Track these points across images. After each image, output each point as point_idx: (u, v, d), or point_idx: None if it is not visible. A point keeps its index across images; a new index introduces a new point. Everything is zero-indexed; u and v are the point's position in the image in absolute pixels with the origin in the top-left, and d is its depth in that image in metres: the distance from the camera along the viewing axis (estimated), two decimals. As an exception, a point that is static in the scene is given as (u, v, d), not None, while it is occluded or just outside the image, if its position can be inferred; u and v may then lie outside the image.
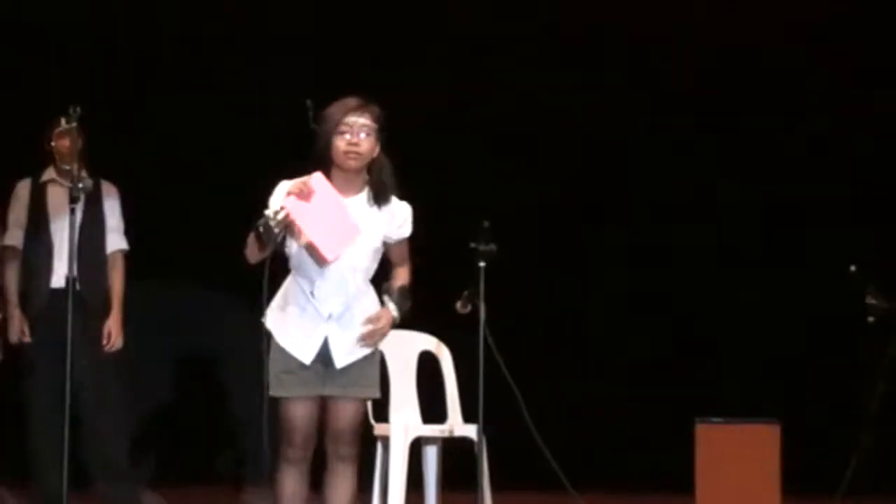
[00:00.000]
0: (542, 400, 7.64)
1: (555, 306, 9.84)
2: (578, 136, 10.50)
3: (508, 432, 7.38)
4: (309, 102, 5.89)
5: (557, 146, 10.48)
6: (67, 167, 7.58)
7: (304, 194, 5.50)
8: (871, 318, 7.37)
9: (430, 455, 7.54)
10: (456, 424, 7.49)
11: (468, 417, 7.36)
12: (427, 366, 7.73)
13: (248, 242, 5.63)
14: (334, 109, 5.69)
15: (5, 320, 8.05)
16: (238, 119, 10.13)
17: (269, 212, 5.61)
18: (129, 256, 8.14)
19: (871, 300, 7.38)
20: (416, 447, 7.44)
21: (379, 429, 7.45)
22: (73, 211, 6.77)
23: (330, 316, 5.71)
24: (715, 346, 9.81)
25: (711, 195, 10.49)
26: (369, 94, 6.34)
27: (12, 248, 7.88)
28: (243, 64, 10.41)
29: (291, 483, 5.83)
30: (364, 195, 5.66)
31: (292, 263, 5.72)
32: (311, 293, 5.73)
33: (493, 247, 6.79)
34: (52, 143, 7.93)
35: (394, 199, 5.76)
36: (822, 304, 8.86)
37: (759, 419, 7.74)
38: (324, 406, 5.85)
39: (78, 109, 6.73)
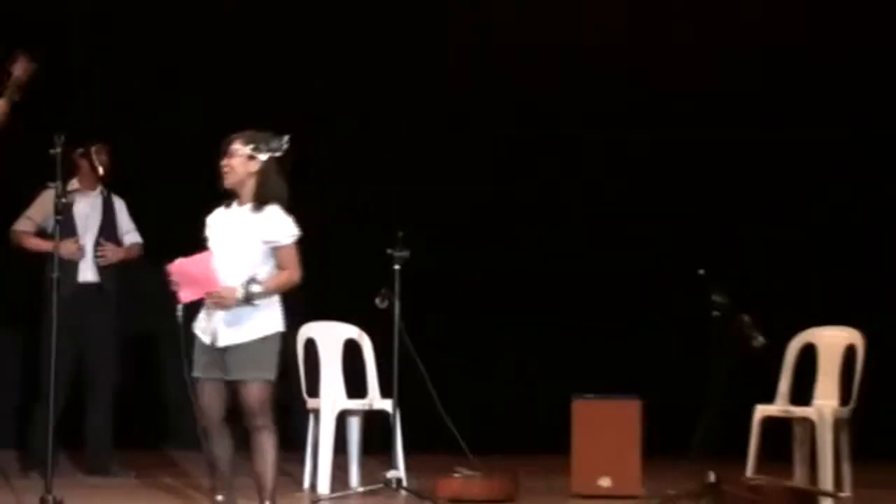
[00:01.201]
0: (446, 378, 8.14)
1: (457, 301, 10.21)
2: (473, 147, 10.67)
3: (418, 405, 8.00)
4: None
5: (465, 162, 10.64)
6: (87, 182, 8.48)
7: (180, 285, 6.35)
8: (715, 313, 7.64)
9: (353, 425, 8.28)
10: (375, 399, 8.28)
11: (385, 393, 8.17)
12: (351, 351, 8.43)
13: None
14: None
15: None
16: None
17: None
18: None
19: (715, 298, 7.64)
20: (342, 418, 8.18)
21: (311, 403, 8.13)
22: (57, 221, 7.16)
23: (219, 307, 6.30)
24: (592, 336, 10.28)
25: (580, 199, 10.73)
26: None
27: (23, 231, 8.45)
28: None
29: (215, 449, 6.41)
30: (250, 204, 6.32)
31: None
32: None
33: (406, 253, 7.68)
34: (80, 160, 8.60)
35: (269, 208, 6.33)
36: (677, 300, 8.92)
37: (623, 396, 8.22)
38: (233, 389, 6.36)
39: (62, 137, 7.02)
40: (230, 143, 6.39)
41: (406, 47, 10.75)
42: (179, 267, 6.41)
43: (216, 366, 6.36)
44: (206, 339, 6.36)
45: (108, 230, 8.68)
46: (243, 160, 6.37)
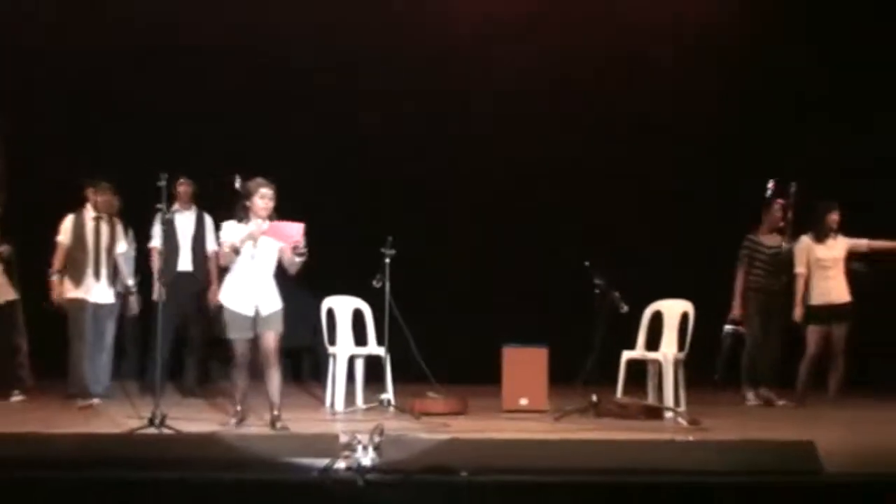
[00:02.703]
0: (420, 333, 8.50)
1: (428, 282, 10.10)
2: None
3: (401, 351, 8.43)
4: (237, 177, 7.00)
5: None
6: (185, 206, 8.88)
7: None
8: (597, 290, 8.10)
9: (359, 364, 8.66)
10: (373, 347, 8.63)
11: (380, 343, 8.50)
12: (357, 315, 8.79)
13: (220, 256, 7.01)
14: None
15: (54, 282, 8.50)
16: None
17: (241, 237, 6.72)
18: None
19: (597, 280, 8.11)
20: (351, 360, 8.53)
21: (331, 350, 8.51)
22: (164, 231, 7.83)
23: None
24: (517, 306, 10.25)
25: (516, 207, 10.65)
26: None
27: (156, 248, 8.88)
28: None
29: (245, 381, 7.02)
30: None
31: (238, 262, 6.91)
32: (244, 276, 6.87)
33: (393, 251, 8.20)
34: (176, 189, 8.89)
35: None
36: (573, 281, 8.47)
37: (536, 344, 8.53)
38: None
39: (165, 175, 7.40)
40: (269, 187, 6.91)
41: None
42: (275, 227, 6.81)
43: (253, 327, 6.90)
44: (248, 312, 6.85)
45: (199, 237, 9.00)
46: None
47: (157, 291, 8.33)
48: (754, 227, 9.42)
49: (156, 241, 8.93)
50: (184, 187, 8.92)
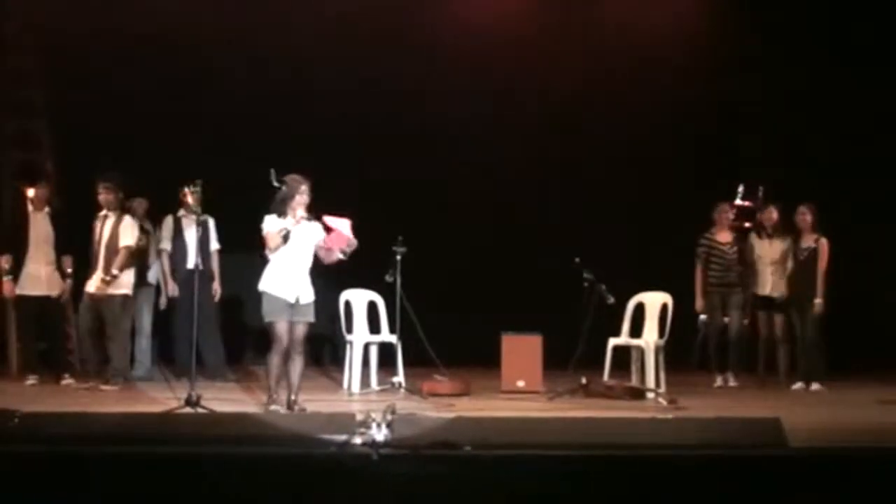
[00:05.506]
0: (428, 322, 8.40)
1: (434, 277, 9.60)
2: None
3: (411, 338, 8.39)
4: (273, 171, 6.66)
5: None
6: (193, 211, 8.12)
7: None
8: (585, 283, 8.03)
9: (373, 350, 8.65)
10: (385, 335, 8.63)
11: (392, 331, 8.50)
12: (372, 306, 8.79)
13: (269, 241, 6.60)
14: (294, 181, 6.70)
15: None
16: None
17: (289, 225, 6.54)
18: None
19: (586, 275, 8.07)
20: (366, 346, 8.52)
21: (348, 337, 8.49)
22: (197, 232, 7.64)
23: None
24: (515, 298, 9.93)
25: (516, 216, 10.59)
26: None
27: (165, 250, 8.92)
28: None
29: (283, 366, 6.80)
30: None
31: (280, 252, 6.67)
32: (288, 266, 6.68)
33: (404, 248, 8.19)
34: (183, 197, 8.51)
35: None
36: (564, 276, 8.26)
37: (531, 333, 8.48)
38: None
39: (199, 181, 7.38)
40: (306, 183, 6.76)
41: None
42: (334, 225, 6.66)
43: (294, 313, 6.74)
44: (290, 298, 6.70)
45: (203, 239, 8.49)
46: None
47: (172, 288, 8.71)
48: (710, 226, 9.32)
49: (165, 244, 8.88)
50: (187, 197, 8.45)
